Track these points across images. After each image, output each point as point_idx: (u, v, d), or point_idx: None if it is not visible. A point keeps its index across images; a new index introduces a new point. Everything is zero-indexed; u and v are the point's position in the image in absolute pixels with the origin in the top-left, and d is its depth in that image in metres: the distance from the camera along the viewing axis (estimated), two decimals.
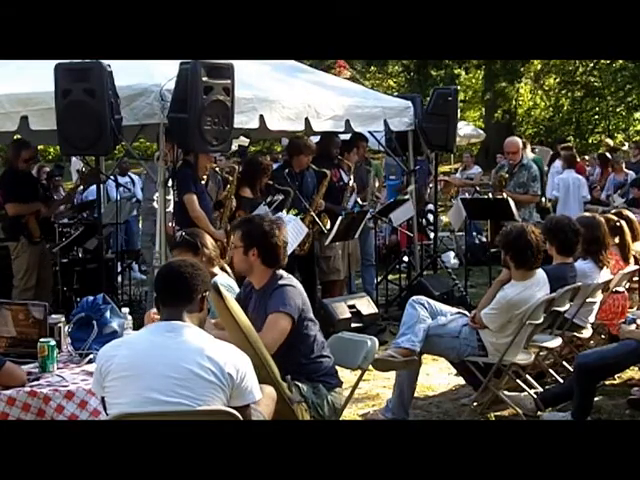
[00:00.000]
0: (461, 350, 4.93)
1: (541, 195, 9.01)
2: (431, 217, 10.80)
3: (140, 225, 9.37)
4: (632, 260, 5.91)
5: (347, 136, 8.13)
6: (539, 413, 5.01)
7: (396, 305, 8.07)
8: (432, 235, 10.14)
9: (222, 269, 4.70)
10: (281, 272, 4.01)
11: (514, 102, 21.41)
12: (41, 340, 3.67)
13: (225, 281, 4.36)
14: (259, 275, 4.00)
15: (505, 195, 7.69)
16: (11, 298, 6.23)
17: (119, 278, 8.63)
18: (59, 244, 7.43)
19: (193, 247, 4.44)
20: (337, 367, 4.06)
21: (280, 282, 3.93)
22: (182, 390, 2.77)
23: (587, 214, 6.32)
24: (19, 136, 7.16)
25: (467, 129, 16.43)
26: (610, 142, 15.83)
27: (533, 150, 12.30)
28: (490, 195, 8.30)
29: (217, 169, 7.07)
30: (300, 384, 3.81)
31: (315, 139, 7.81)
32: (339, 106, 7.43)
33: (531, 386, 5.25)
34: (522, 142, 10.20)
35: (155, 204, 6.92)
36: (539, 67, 22.07)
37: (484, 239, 10.66)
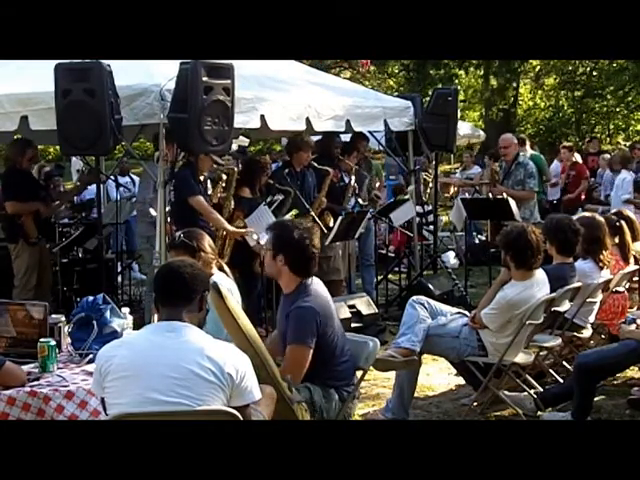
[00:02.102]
0: (461, 350, 4.93)
1: (538, 193, 8.93)
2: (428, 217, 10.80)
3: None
4: (632, 260, 5.91)
5: (347, 136, 8.14)
6: (539, 413, 5.01)
7: (396, 305, 8.06)
8: (430, 235, 10.14)
9: (220, 269, 4.68)
10: (307, 284, 3.94)
11: (511, 100, 21.32)
12: (41, 340, 3.67)
13: (223, 281, 4.34)
14: (286, 282, 3.98)
15: (504, 194, 7.68)
16: (12, 298, 6.22)
17: (119, 278, 8.62)
18: (59, 244, 7.42)
19: (190, 249, 4.42)
20: None
21: (299, 303, 3.85)
22: (182, 390, 2.77)
23: (587, 214, 6.31)
24: (19, 136, 7.16)
25: (467, 129, 16.36)
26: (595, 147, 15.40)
27: (532, 147, 12.23)
28: (490, 195, 8.29)
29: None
30: (311, 387, 3.80)
31: (315, 139, 7.80)
32: (339, 106, 7.43)
33: (531, 386, 5.25)
34: (521, 139, 10.20)
35: (147, 206, 6.92)
36: (538, 67, 22.03)
37: (484, 239, 10.65)
